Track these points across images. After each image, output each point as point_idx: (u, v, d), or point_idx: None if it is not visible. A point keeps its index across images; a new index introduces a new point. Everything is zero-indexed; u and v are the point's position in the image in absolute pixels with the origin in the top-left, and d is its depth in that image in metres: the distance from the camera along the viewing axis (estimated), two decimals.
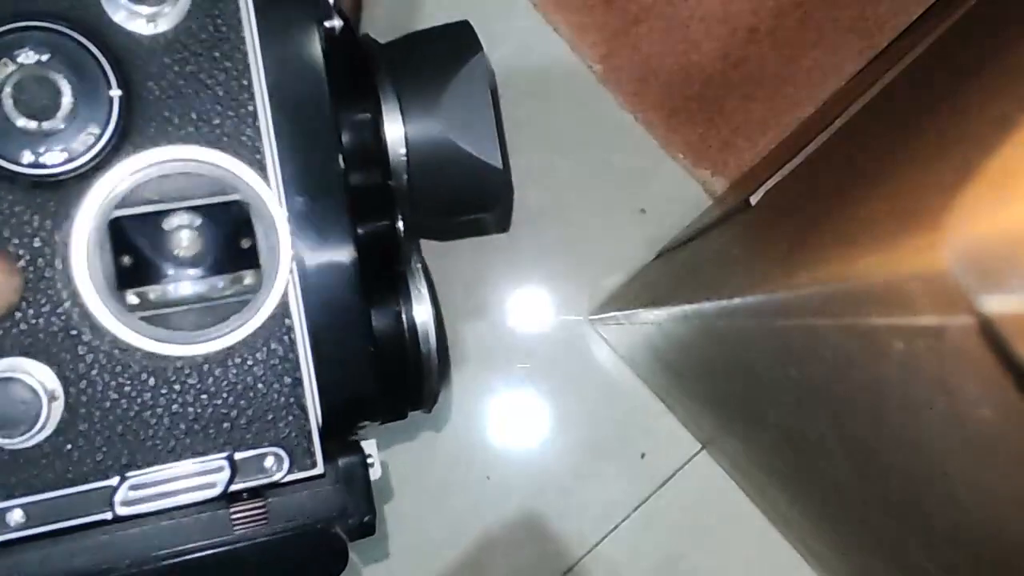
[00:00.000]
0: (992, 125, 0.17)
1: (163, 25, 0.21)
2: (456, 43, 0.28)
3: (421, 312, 0.26)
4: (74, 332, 0.21)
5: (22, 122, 0.20)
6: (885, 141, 0.29)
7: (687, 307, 0.32)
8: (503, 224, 0.32)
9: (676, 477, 0.52)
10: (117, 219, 0.21)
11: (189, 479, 0.23)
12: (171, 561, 0.22)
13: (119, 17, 0.21)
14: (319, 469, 0.23)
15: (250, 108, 0.22)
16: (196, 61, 0.21)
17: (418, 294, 0.26)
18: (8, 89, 0.20)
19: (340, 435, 0.26)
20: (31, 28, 0.20)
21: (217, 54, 0.22)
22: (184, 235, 0.22)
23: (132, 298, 0.22)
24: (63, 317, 0.21)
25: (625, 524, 0.52)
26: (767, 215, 0.35)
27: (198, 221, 0.22)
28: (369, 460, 0.25)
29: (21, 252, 0.21)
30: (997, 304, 0.13)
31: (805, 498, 0.39)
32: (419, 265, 0.27)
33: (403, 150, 0.26)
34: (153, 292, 0.22)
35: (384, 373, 0.26)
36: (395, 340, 0.26)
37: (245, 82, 0.22)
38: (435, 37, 0.29)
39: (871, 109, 0.38)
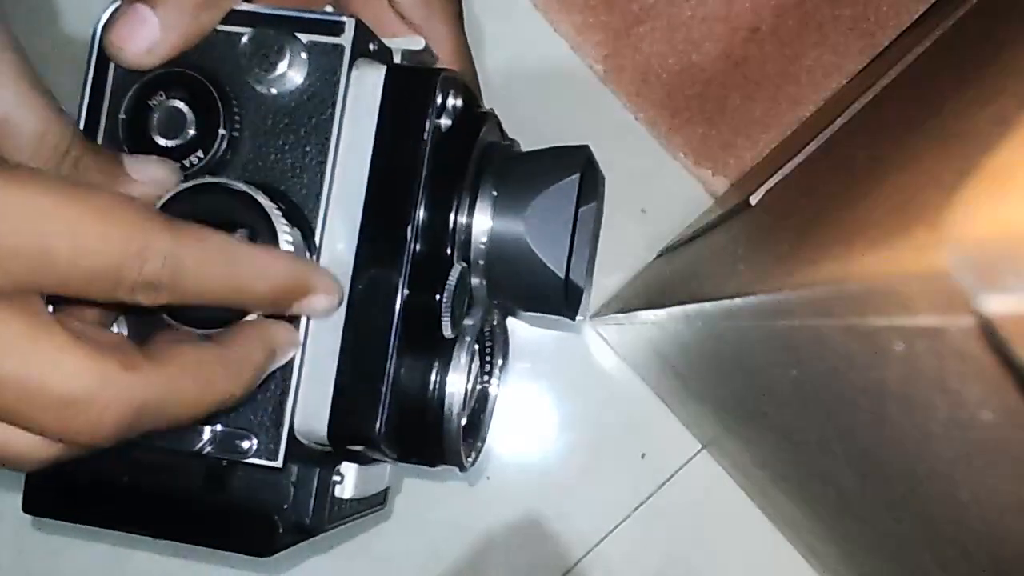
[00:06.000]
0: (992, 124, 0.17)
1: (275, 90, 0.28)
2: (569, 160, 0.33)
3: (454, 382, 0.30)
4: None
5: (157, 136, 0.28)
6: (886, 140, 0.29)
7: (688, 307, 0.32)
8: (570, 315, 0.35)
9: (676, 477, 0.52)
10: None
11: (182, 432, 0.28)
12: (138, 483, 0.28)
13: (250, 78, 0.28)
14: (277, 463, 0.28)
15: (320, 173, 0.28)
16: (292, 123, 0.28)
17: (458, 364, 0.30)
18: (157, 113, 0.28)
19: (336, 449, 0.29)
20: (180, 73, 0.28)
21: (311, 121, 0.28)
22: None
23: None
24: None
25: (625, 524, 0.52)
26: (767, 215, 0.35)
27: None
28: (337, 479, 0.30)
29: None
30: (997, 304, 0.13)
31: (806, 498, 0.39)
32: (472, 339, 0.31)
33: (485, 238, 0.31)
34: None
35: (399, 424, 0.29)
36: (417, 399, 0.29)
37: (324, 151, 0.28)
38: (555, 152, 0.34)
39: (872, 108, 0.38)
